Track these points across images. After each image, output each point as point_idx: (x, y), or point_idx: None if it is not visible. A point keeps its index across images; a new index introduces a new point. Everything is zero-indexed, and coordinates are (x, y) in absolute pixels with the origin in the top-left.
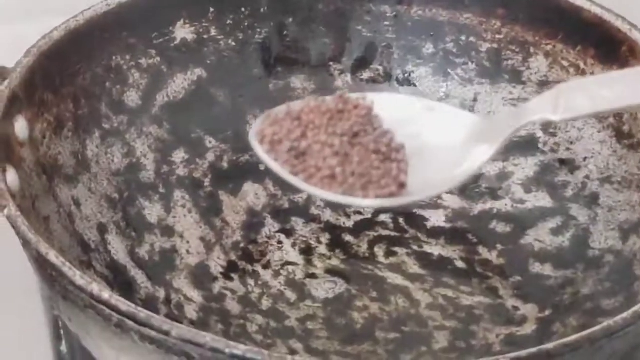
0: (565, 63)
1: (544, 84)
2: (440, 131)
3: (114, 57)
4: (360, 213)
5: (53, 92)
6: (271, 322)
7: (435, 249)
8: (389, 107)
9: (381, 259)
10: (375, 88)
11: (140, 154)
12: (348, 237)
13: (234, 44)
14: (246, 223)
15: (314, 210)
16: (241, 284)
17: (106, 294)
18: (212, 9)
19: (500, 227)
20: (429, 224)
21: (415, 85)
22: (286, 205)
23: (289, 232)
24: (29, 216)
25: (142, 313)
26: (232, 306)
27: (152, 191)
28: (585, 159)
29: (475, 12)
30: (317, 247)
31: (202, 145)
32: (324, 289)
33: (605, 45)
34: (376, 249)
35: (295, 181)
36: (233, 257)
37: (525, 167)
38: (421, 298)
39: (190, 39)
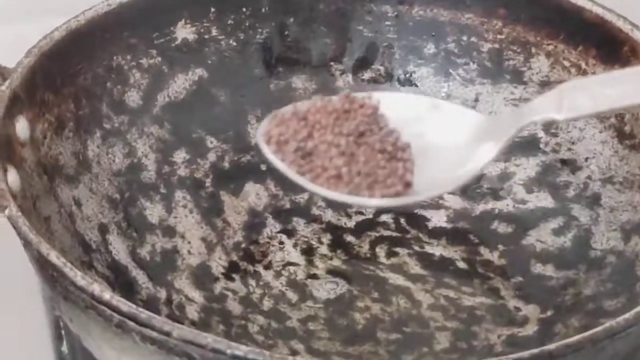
0: (566, 63)
1: (545, 84)
2: (445, 130)
3: (114, 57)
4: (361, 213)
5: (54, 92)
6: (272, 322)
7: (436, 249)
8: (394, 106)
9: (382, 259)
10: (377, 88)
11: (142, 154)
12: (349, 238)
13: (235, 44)
14: (247, 223)
15: (315, 211)
16: (242, 284)
17: (107, 295)
18: (213, 9)
19: (502, 228)
20: (431, 225)
21: (416, 86)
22: (287, 206)
23: (290, 233)
24: (30, 216)
25: (143, 314)
26: (234, 307)
27: (153, 191)
28: (586, 159)
29: (476, 12)
30: (318, 247)
31: (203, 145)
32: (326, 289)
33: (607, 46)
34: (377, 250)
35: (302, 181)
36: (234, 258)
37: (526, 167)
38: (422, 298)
39: (191, 39)
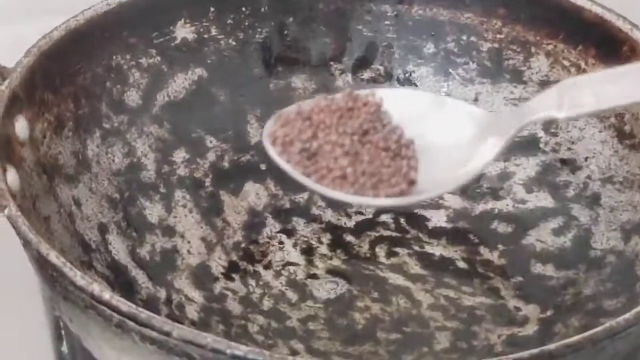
0: (566, 63)
1: (545, 84)
2: (447, 128)
3: (114, 57)
4: (361, 213)
5: (53, 91)
6: (272, 322)
7: (436, 249)
8: (397, 102)
9: (382, 259)
10: (377, 88)
11: (141, 153)
12: (349, 238)
13: (234, 43)
14: (247, 223)
15: (315, 211)
16: (242, 284)
17: (107, 295)
18: (212, 9)
19: (502, 227)
20: (430, 224)
21: (416, 85)
22: (287, 205)
23: (290, 232)
24: (30, 216)
25: (143, 313)
26: (233, 306)
27: (152, 191)
28: (586, 159)
29: (476, 11)
30: (318, 247)
31: (202, 145)
32: (325, 289)
33: (606, 45)
34: (377, 249)
35: (308, 182)
36: (234, 257)
37: (526, 167)
38: (422, 298)
39: (191, 39)
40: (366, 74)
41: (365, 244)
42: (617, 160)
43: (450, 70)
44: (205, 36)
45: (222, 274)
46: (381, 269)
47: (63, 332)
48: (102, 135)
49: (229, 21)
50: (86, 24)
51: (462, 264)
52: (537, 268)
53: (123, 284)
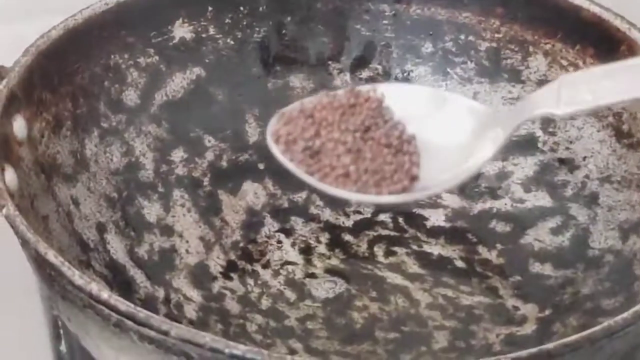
0: (564, 62)
1: (543, 83)
2: (448, 123)
3: (112, 56)
4: (359, 212)
5: (51, 91)
6: (271, 321)
7: (434, 248)
8: (399, 97)
9: (381, 258)
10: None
11: (139, 153)
12: (347, 237)
13: (232, 43)
14: (245, 222)
15: (313, 210)
16: (240, 283)
17: (105, 294)
18: (210, 8)
19: (500, 227)
20: (429, 224)
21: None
22: (285, 205)
23: (288, 232)
24: (28, 215)
25: (141, 313)
26: (232, 306)
27: (151, 190)
28: (584, 158)
29: (474, 11)
30: (316, 246)
31: (201, 144)
32: (324, 288)
33: (604, 44)
34: (376, 249)
35: (311, 181)
36: (232, 257)
37: (524, 166)
38: (421, 298)
39: (189, 38)
40: (364, 73)
41: (363, 244)
42: (615, 160)
43: (449, 69)
44: (204, 35)
45: (221, 273)
46: (379, 268)
47: (61, 331)
48: (101, 135)
49: (227, 20)
50: (84, 24)
51: (460, 263)
52: (536, 267)
53: (121, 284)
